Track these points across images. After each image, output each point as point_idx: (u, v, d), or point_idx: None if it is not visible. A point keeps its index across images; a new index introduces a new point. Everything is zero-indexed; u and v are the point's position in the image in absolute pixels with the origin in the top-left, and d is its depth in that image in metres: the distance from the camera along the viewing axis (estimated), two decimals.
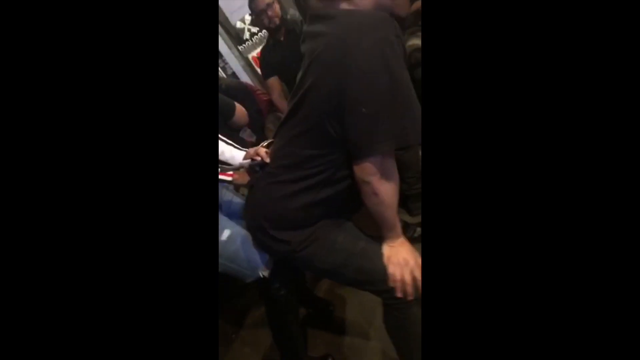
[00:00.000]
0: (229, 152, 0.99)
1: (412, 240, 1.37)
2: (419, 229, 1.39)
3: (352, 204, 0.76)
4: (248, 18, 2.51)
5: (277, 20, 1.68)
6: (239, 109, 1.18)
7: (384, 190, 0.68)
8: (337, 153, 0.68)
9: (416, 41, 1.43)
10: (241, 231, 0.95)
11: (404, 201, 1.56)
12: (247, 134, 1.98)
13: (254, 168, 0.85)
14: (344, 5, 0.62)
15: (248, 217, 0.85)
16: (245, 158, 0.91)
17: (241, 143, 1.54)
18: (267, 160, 0.79)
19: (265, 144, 0.85)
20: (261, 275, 0.97)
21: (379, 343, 1.13)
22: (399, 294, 0.73)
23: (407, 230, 1.38)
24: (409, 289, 0.72)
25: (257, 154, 0.82)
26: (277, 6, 1.68)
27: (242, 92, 1.96)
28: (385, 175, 0.67)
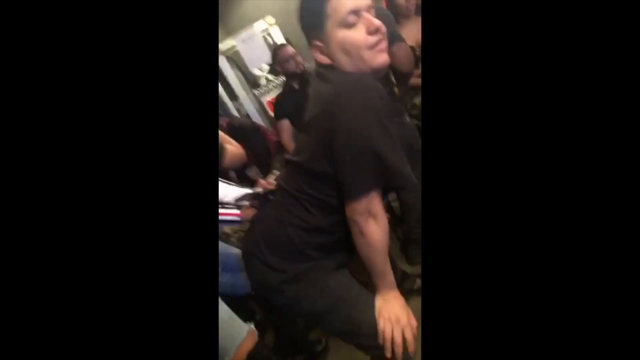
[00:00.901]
0: (222, 191, 1.00)
1: (411, 292, 1.36)
2: (419, 280, 1.36)
3: (349, 242, 0.77)
4: (265, 67, 2.73)
5: (302, 67, 1.87)
6: (230, 151, 1.12)
7: (371, 231, 0.70)
8: (332, 189, 0.73)
9: None
10: (222, 309, 0.93)
11: (404, 246, 1.54)
12: (253, 172, 2.05)
13: (266, 196, 0.88)
14: (344, 65, 0.71)
15: (247, 243, 0.86)
16: (256, 189, 0.94)
17: (247, 181, 1.56)
18: (272, 187, 0.83)
19: (274, 178, 0.89)
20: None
21: None
22: (388, 354, 0.70)
23: (406, 281, 1.35)
24: (399, 349, 0.69)
25: (267, 185, 0.86)
26: (300, 58, 1.89)
27: (253, 131, 2.06)
28: (372, 216, 0.70)
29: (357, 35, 0.68)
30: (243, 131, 2.08)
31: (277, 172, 1.89)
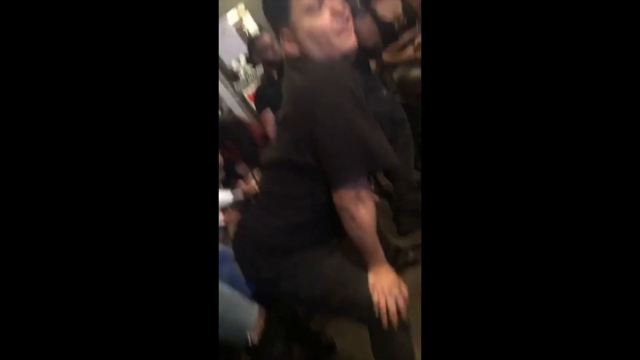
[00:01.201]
0: None
1: (406, 265, 1.41)
2: (411, 253, 1.41)
3: (338, 227, 0.79)
4: (243, 59, 2.68)
5: (280, 55, 1.83)
6: None
7: (361, 214, 0.72)
8: (317, 180, 0.74)
9: (418, 73, 1.56)
10: (228, 293, 0.95)
11: (395, 215, 1.58)
12: (242, 169, 2.05)
13: (248, 200, 0.89)
14: (314, 53, 0.70)
15: (238, 246, 0.87)
16: (238, 194, 0.94)
17: (237, 177, 1.56)
18: (257, 189, 0.85)
19: (254, 180, 0.90)
20: (249, 339, 0.95)
21: None
22: (385, 323, 0.74)
23: (399, 255, 1.40)
24: (394, 318, 0.73)
25: (251, 187, 0.87)
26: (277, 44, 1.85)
27: (237, 127, 2.05)
28: (360, 201, 0.72)
29: (323, 21, 0.67)
30: (227, 128, 2.08)
31: (258, 173, 1.89)
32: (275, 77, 1.88)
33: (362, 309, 0.76)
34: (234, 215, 0.92)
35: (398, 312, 0.74)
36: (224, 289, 0.95)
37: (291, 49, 0.71)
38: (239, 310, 0.95)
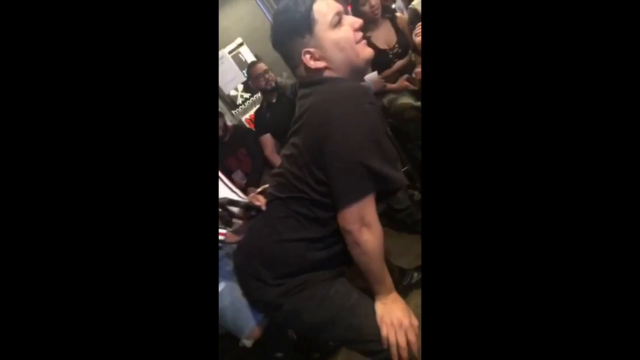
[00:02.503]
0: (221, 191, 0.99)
1: (408, 287, 1.37)
2: (416, 274, 1.38)
3: (345, 253, 0.77)
4: (240, 86, 2.76)
5: (273, 83, 1.92)
6: None
7: (365, 240, 0.70)
8: (324, 201, 0.73)
9: (407, 100, 1.64)
10: (234, 289, 0.91)
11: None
12: (239, 177, 2.05)
13: (249, 213, 0.87)
14: (327, 73, 0.74)
15: (239, 259, 0.84)
16: (242, 203, 0.92)
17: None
18: (264, 207, 0.82)
19: (260, 190, 0.89)
20: (243, 345, 0.92)
21: None
22: (394, 358, 0.70)
23: (404, 277, 1.37)
24: (404, 353, 0.70)
25: (257, 200, 0.86)
26: (271, 73, 1.94)
27: (250, 136, 2.10)
28: (365, 225, 0.70)
29: (347, 33, 0.72)
30: (240, 135, 2.13)
31: (266, 186, 1.90)
32: (274, 100, 1.94)
33: (368, 340, 0.73)
34: (235, 237, 0.90)
35: (408, 345, 0.70)
36: (234, 286, 0.91)
37: (315, 65, 0.73)
38: (238, 314, 0.91)
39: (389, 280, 0.76)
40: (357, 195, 0.69)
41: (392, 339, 0.70)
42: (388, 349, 0.71)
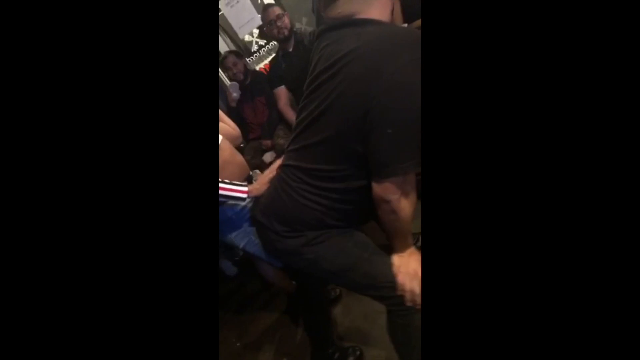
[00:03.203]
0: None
1: (417, 249, 1.40)
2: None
3: (364, 215, 0.77)
4: (256, 31, 2.59)
5: (286, 32, 1.74)
6: (226, 130, 1.10)
7: (403, 207, 0.67)
8: (354, 167, 0.67)
9: None
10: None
11: None
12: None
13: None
14: (364, 14, 0.60)
15: (258, 214, 0.84)
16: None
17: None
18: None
19: (269, 161, 0.88)
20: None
21: (381, 351, 1.13)
22: (408, 303, 0.73)
23: (413, 239, 1.39)
24: (418, 299, 0.72)
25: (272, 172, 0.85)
26: (287, 18, 1.75)
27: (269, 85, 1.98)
28: (405, 195, 0.66)
29: None
30: (258, 86, 2.01)
31: (281, 137, 1.86)
32: (290, 50, 1.81)
33: (382, 287, 0.76)
34: (257, 189, 0.91)
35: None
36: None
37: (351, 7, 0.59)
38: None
39: (411, 238, 0.77)
40: (406, 168, 0.61)
41: (408, 287, 0.73)
42: (400, 296, 0.73)
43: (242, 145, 1.92)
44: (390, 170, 0.62)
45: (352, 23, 0.61)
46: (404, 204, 0.67)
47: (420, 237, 1.40)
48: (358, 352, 1.16)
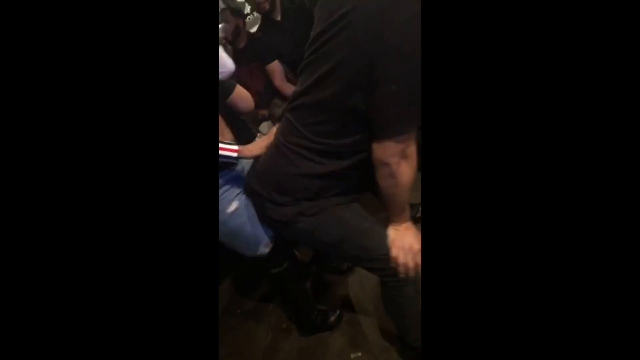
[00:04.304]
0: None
1: (415, 220, 1.40)
2: (422, 209, 1.40)
3: (361, 181, 0.76)
4: None
5: (266, 6, 1.59)
6: (239, 91, 1.09)
7: (402, 172, 0.66)
8: (354, 129, 0.65)
9: None
10: (249, 205, 0.94)
11: None
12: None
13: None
14: None
15: (254, 184, 0.83)
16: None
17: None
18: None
19: (265, 132, 0.84)
20: (262, 252, 0.98)
21: (379, 320, 1.17)
22: (402, 275, 0.74)
23: (411, 210, 1.39)
24: (412, 272, 0.74)
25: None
26: None
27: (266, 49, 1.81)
28: (406, 157, 0.64)
29: None
30: (254, 49, 1.80)
31: (278, 105, 1.77)
32: (278, 18, 1.66)
33: (377, 259, 0.77)
34: (249, 151, 0.88)
35: (415, 266, 0.74)
36: (248, 202, 0.94)
37: None
38: (256, 226, 0.95)
39: (408, 209, 0.76)
40: (408, 126, 0.59)
41: (401, 260, 0.74)
42: (393, 268, 0.75)
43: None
44: (391, 130, 0.60)
45: None
46: (403, 168, 0.65)
47: (420, 208, 1.40)
48: (338, 312, 1.23)
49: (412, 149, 0.64)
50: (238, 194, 0.96)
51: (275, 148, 0.79)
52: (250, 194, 0.87)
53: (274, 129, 0.84)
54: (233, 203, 0.95)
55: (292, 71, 1.74)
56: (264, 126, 1.91)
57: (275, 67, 1.69)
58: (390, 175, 0.66)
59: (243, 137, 1.07)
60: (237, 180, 0.99)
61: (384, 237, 0.76)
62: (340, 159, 0.71)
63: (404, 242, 0.74)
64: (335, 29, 0.59)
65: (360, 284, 1.33)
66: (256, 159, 0.87)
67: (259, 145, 0.86)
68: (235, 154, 0.89)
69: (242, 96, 1.09)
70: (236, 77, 2.00)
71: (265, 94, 1.94)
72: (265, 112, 1.95)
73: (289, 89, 1.69)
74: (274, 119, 1.83)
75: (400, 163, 0.64)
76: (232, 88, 1.07)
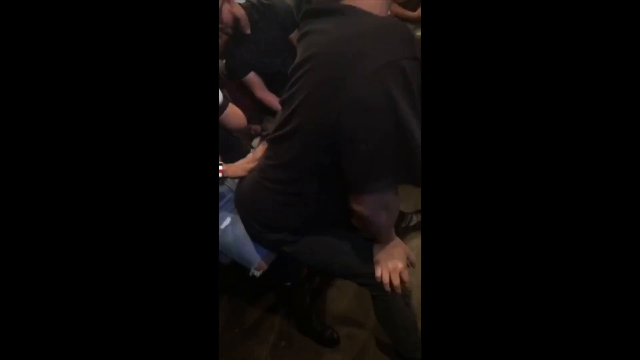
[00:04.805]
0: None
1: (407, 229, 1.41)
2: (415, 217, 1.41)
3: (341, 218, 0.75)
4: None
5: (229, 31, 1.48)
6: (232, 109, 1.08)
7: (381, 221, 0.64)
8: (328, 178, 0.61)
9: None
10: (237, 224, 0.93)
11: None
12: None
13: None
14: (350, 2, 0.50)
15: (240, 207, 0.84)
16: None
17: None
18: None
19: (257, 147, 0.86)
20: (253, 274, 0.96)
21: (377, 333, 1.15)
22: (387, 290, 0.74)
23: (403, 219, 1.40)
24: (398, 290, 0.73)
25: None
26: (226, 10, 1.42)
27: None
28: (383, 208, 0.61)
29: None
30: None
31: (270, 121, 1.78)
32: (248, 32, 1.56)
33: (364, 276, 0.77)
34: (231, 171, 0.89)
35: (401, 283, 0.73)
36: (230, 226, 0.93)
37: None
38: (244, 248, 0.93)
39: (392, 232, 0.75)
40: (382, 185, 0.55)
41: (386, 280, 0.73)
42: (381, 283, 0.74)
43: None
44: (362, 187, 0.56)
45: (335, 10, 0.52)
46: (383, 218, 0.63)
47: (413, 217, 1.40)
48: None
49: (389, 200, 0.60)
50: (229, 210, 0.96)
51: (256, 174, 0.78)
52: (239, 214, 0.88)
53: (260, 149, 0.85)
54: (225, 219, 0.95)
55: (268, 81, 1.73)
56: (255, 142, 1.93)
57: (252, 79, 1.64)
58: (369, 224, 0.65)
59: (233, 154, 1.08)
60: (227, 195, 1.00)
61: (369, 256, 0.75)
62: (317, 201, 0.69)
63: (388, 262, 0.72)
64: (305, 68, 0.54)
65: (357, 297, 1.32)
66: (240, 179, 0.88)
67: (242, 167, 0.87)
68: (219, 174, 0.90)
69: (235, 114, 1.09)
70: (227, 93, 2.00)
71: (257, 109, 1.94)
72: (257, 127, 1.96)
73: (272, 97, 1.65)
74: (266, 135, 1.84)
75: (379, 214, 0.61)
76: (225, 106, 1.06)
